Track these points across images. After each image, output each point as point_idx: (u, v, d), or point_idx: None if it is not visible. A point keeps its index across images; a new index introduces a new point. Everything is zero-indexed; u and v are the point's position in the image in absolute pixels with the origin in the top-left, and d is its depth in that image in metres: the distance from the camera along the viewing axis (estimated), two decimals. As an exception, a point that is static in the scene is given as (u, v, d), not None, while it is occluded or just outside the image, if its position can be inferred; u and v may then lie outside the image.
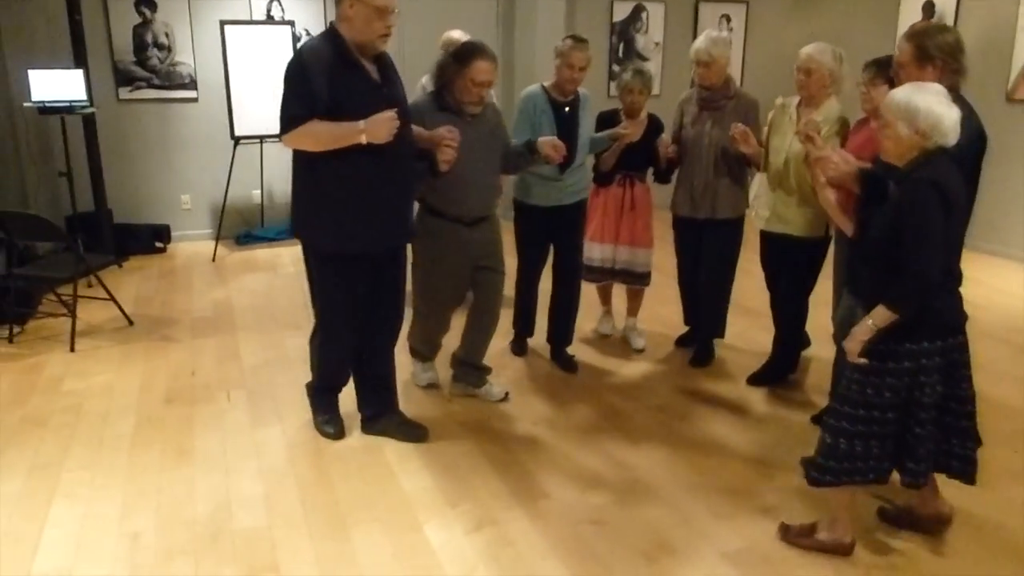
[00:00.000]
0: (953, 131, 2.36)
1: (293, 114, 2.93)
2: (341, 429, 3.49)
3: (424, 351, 3.93)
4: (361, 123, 2.89)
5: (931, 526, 2.81)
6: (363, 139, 2.90)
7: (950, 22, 6.89)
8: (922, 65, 2.75)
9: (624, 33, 8.15)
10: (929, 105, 2.34)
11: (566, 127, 3.87)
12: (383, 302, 3.33)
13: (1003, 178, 6.62)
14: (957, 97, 2.71)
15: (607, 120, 4.23)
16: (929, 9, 7.07)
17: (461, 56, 3.35)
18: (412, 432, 3.47)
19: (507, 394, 3.88)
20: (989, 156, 6.69)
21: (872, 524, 2.86)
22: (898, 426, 2.51)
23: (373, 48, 3.00)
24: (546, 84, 3.93)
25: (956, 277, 2.49)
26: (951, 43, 2.75)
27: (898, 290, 2.39)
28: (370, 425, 3.50)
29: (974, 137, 2.69)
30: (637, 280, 4.43)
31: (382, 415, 3.49)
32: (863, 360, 2.46)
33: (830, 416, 2.60)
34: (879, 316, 2.41)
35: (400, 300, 3.41)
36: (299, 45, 2.98)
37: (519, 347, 4.41)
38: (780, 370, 4.05)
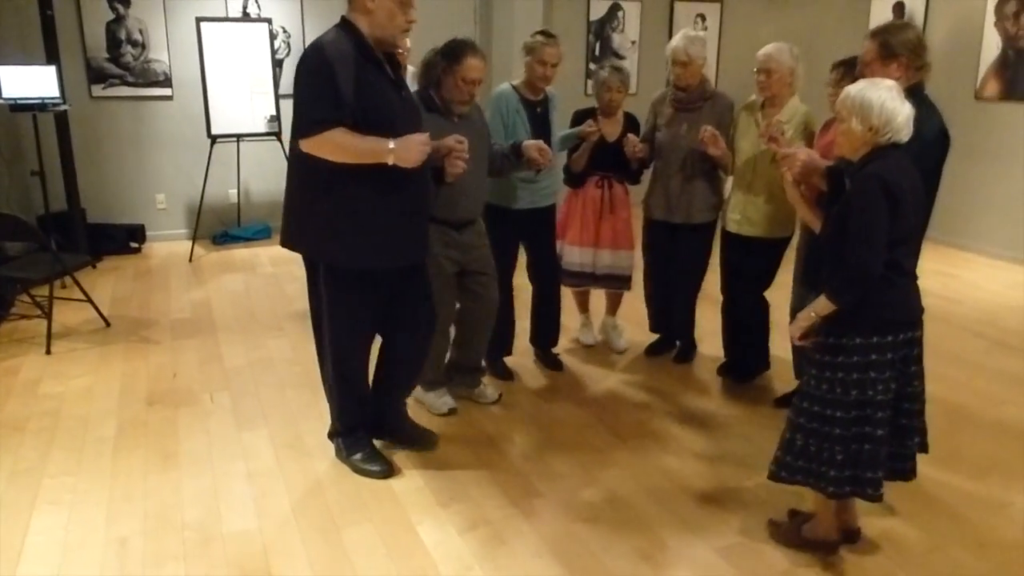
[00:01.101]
0: (906, 126, 2.37)
1: (318, 117, 2.68)
2: (388, 464, 3.18)
3: (431, 375, 3.65)
4: (391, 143, 2.70)
5: (823, 547, 2.69)
6: (390, 160, 2.71)
7: (920, 22, 7.03)
8: (886, 62, 2.78)
9: (601, 32, 8.19)
10: (883, 101, 2.35)
11: (540, 127, 3.80)
12: (411, 312, 3.14)
13: (973, 175, 6.76)
14: (922, 95, 2.77)
15: (583, 118, 4.09)
16: (899, 9, 7.18)
17: (451, 54, 3.26)
18: (422, 439, 3.38)
19: (500, 395, 3.85)
20: (959, 153, 6.87)
21: (866, 508, 2.89)
22: (856, 429, 2.46)
23: (393, 44, 2.86)
24: (515, 83, 3.82)
25: (905, 272, 2.45)
26: (913, 40, 2.80)
27: (837, 280, 2.41)
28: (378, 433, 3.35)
29: (938, 135, 2.73)
30: (621, 284, 4.33)
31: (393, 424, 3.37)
32: (804, 343, 2.53)
33: (791, 411, 2.61)
34: (819, 305, 2.45)
35: (431, 305, 3.23)
36: (317, 39, 2.76)
37: (501, 369, 4.11)
38: (754, 366, 4.06)
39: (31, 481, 3.11)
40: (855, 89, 2.42)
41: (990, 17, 6.51)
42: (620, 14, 8.19)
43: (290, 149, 2.88)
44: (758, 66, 3.59)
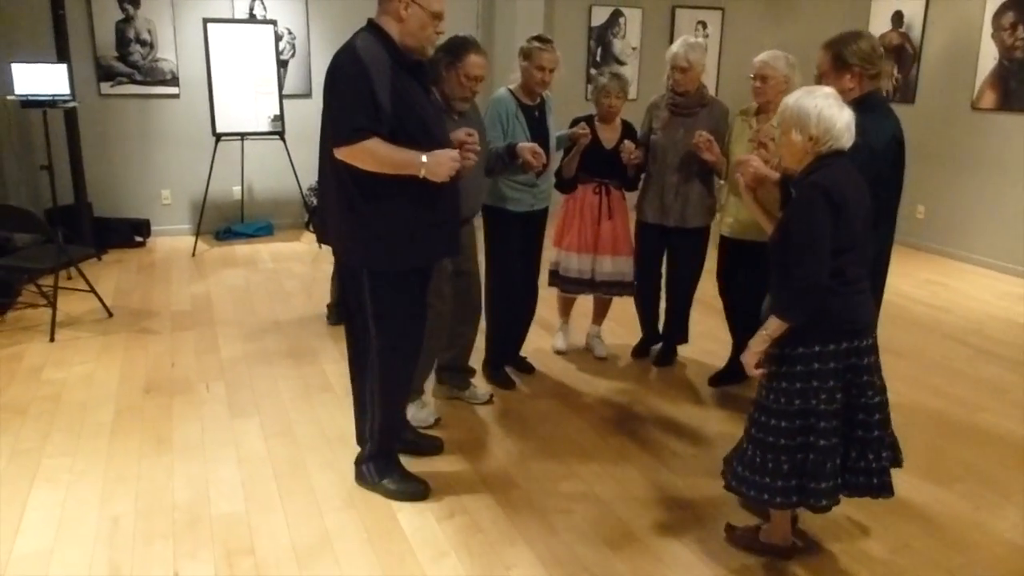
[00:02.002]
0: (847, 132, 2.36)
1: (359, 125, 2.64)
2: (424, 483, 3.10)
3: (416, 383, 3.47)
4: (424, 157, 2.69)
5: (778, 552, 2.72)
6: (421, 173, 2.70)
7: (918, 31, 7.11)
8: (840, 73, 2.85)
9: (602, 37, 8.29)
10: (819, 109, 2.34)
11: (539, 131, 3.82)
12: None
13: (968, 185, 6.83)
14: (876, 102, 2.84)
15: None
16: (898, 19, 7.27)
17: (453, 50, 3.26)
18: (428, 445, 3.40)
19: (491, 396, 3.90)
20: (955, 163, 6.96)
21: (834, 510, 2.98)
22: (801, 439, 2.45)
23: (421, 52, 2.84)
24: (512, 88, 3.81)
25: (849, 280, 2.40)
26: (866, 49, 2.85)
27: (785, 298, 2.39)
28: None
29: (889, 142, 2.79)
30: (623, 289, 4.31)
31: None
32: (758, 372, 2.49)
33: (746, 421, 2.63)
34: (771, 326, 2.42)
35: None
36: (350, 44, 2.74)
37: (501, 376, 4.10)
38: (741, 370, 4.13)
39: (31, 461, 3.24)
40: (792, 99, 2.43)
41: (987, 28, 6.58)
42: (621, 20, 8.30)
43: (324, 154, 2.84)
44: (754, 72, 3.68)
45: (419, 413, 3.57)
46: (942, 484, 3.26)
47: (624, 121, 4.21)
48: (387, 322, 2.90)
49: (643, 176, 4.20)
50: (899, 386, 4.14)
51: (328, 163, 2.81)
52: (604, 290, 4.33)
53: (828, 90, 2.44)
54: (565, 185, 4.23)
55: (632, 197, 4.36)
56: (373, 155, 2.68)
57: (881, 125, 2.76)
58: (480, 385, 3.97)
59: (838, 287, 2.38)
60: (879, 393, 2.54)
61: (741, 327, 3.97)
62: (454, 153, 2.79)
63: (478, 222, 3.76)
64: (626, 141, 4.06)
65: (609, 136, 4.13)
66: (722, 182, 4.01)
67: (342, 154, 2.70)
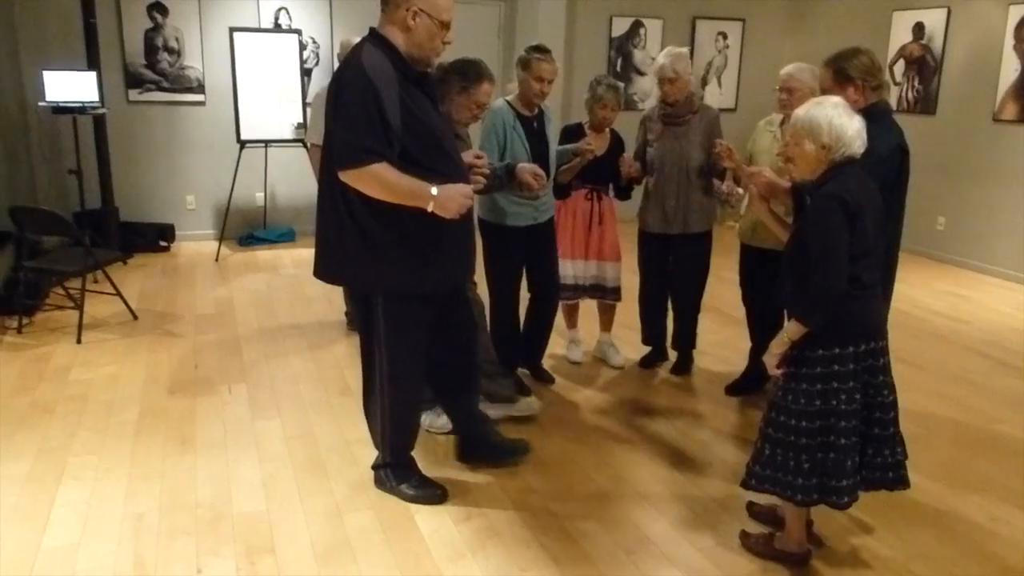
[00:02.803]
0: (858, 139, 2.41)
1: (364, 146, 2.52)
2: (441, 488, 3.11)
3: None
4: (434, 190, 2.59)
5: (794, 558, 2.73)
6: (430, 207, 2.60)
7: (939, 43, 7.09)
8: (843, 87, 2.93)
9: (622, 48, 8.34)
10: (830, 118, 2.39)
11: (538, 143, 3.78)
12: (458, 321, 3.11)
13: (990, 196, 6.79)
14: (880, 113, 2.90)
15: (572, 133, 4.19)
16: (919, 30, 7.26)
17: (468, 75, 3.26)
18: (514, 449, 3.39)
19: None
20: (976, 174, 6.96)
21: (847, 518, 2.99)
22: (821, 439, 2.50)
23: (427, 63, 2.76)
24: (509, 99, 3.78)
25: (866, 285, 2.47)
26: (866, 63, 2.95)
27: (805, 304, 2.45)
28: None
29: (893, 150, 2.87)
30: (609, 295, 4.39)
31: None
32: (779, 372, 2.56)
33: (761, 422, 2.68)
34: (791, 330, 2.49)
35: (470, 309, 3.23)
36: (354, 58, 2.60)
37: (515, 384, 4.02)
38: (758, 379, 4.16)
39: (58, 458, 3.32)
40: (802, 111, 2.48)
41: (1009, 39, 6.55)
42: (642, 31, 8.34)
43: (325, 177, 2.73)
44: (780, 84, 3.72)
45: (436, 420, 3.58)
46: (959, 495, 3.25)
47: (612, 130, 4.27)
48: (398, 346, 2.86)
49: (644, 186, 4.23)
50: (918, 397, 4.15)
51: (334, 186, 2.66)
52: (591, 295, 4.40)
53: (837, 99, 2.50)
54: (559, 191, 4.20)
55: (622, 205, 4.41)
56: (380, 181, 2.56)
57: (886, 134, 2.82)
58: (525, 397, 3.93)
59: (856, 291, 2.45)
60: (892, 391, 2.60)
61: (762, 332, 3.99)
62: (466, 190, 2.71)
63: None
64: (625, 155, 4.14)
65: (599, 144, 4.17)
66: (740, 191, 4.04)
67: (347, 177, 2.57)
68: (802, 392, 2.51)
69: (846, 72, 2.93)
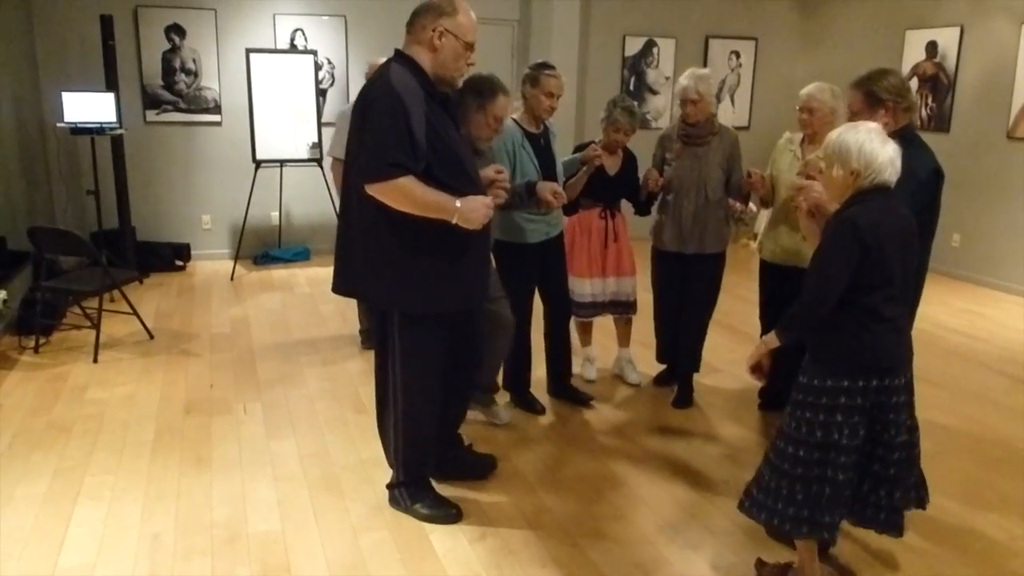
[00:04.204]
0: (889, 167, 2.35)
1: (394, 161, 2.57)
2: (455, 507, 3.11)
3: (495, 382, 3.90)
4: (458, 202, 2.64)
5: None
6: (454, 219, 2.65)
7: (952, 61, 7.09)
8: (874, 109, 2.90)
9: (635, 67, 8.38)
10: (860, 143, 2.34)
11: (545, 159, 3.79)
12: (470, 347, 3.13)
13: (1005, 213, 6.76)
14: (912, 135, 2.87)
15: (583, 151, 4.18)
16: (932, 48, 7.26)
17: (482, 91, 3.24)
18: (481, 466, 3.44)
19: (510, 418, 3.95)
20: (991, 191, 6.95)
21: (868, 532, 2.96)
22: (818, 471, 2.44)
23: (452, 84, 2.82)
24: (515, 117, 3.76)
25: (884, 319, 2.38)
26: (896, 84, 2.92)
27: (786, 317, 2.47)
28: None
29: (931, 173, 2.85)
30: (626, 309, 4.41)
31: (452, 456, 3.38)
32: (755, 375, 2.65)
33: (768, 447, 2.64)
34: (768, 339, 2.52)
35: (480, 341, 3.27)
36: (384, 75, 2.66)
37: (526, 399, 4.14)
38: (777, 395, 4.12)
39: (74, 478, 3.33)
40: (835, 135, 2.43)
41: (1022, 57, 6.54)
42: (655, 50, 8.38)
43: (349, 192, 2.76)
44: (800, 104, 3.73)
45: (503, 412, 3.91)
46: (977, 513, 3.22)
47: (626, 149, 4.29)
48: (413, 362, 2.89)
49: (659, 204, 4.23)
50: (936, 415, 4.11)
51: (360, 201, 2.69)
52: (609, 309, 4.41)
53: (872, 125, 2.44)
54: (568, 206, 4.14)
55: (633, 223, 4.42)
56: (406, 194, 2.60)
57: (922, 156, 2.81)
58: (503, 406, 4.01)
59: (872, 324, 2.38)
60: (906, 433, 2.51)
61: (780, 351, 3.96)
62: (488, 200, 2.75)
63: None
64: (651, 169, 4.16)
65: (611, 163, 4.20)
66: (754, 209, 4.04)
67: (374, 190, 2.62)
68: (805, 421, 2.45)
69: (876, 95, 2.89)
